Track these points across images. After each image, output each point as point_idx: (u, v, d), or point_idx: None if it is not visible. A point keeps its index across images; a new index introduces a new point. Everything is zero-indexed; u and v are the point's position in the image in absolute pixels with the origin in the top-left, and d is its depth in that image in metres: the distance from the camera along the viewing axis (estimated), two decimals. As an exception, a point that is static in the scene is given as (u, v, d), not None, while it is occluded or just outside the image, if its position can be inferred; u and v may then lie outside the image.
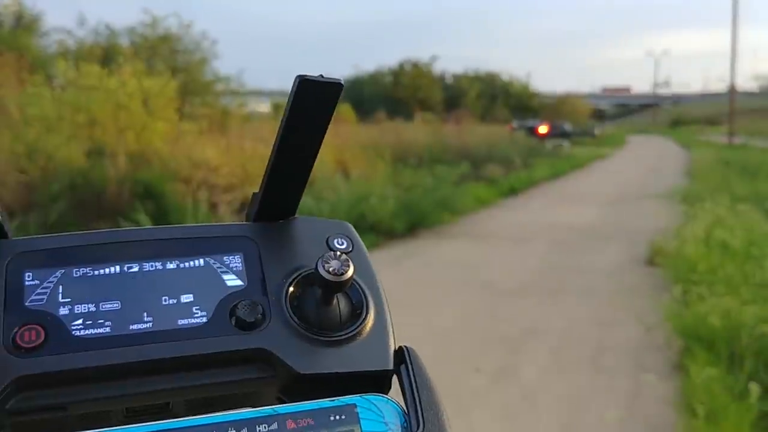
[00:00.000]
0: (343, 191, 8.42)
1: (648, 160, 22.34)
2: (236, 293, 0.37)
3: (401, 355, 0.37)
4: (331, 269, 0.35)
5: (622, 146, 31.53)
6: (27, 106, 8.32)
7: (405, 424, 0.33)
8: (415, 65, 36.65)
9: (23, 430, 0.33)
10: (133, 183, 7.63)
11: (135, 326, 0.35)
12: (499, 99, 40.99)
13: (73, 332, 0.35)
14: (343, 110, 18.00)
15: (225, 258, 0.38)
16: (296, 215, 0.43)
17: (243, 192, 8.05)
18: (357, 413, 0.33)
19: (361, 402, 0.34)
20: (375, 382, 0.36)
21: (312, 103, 0.36)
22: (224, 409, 0.33)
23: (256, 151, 8.66)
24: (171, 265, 0.38)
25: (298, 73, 0.35)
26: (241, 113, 13.47)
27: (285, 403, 0.34)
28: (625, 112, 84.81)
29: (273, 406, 0.33)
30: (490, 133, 19.59)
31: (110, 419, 0.35)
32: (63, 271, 0.37)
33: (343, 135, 11.65)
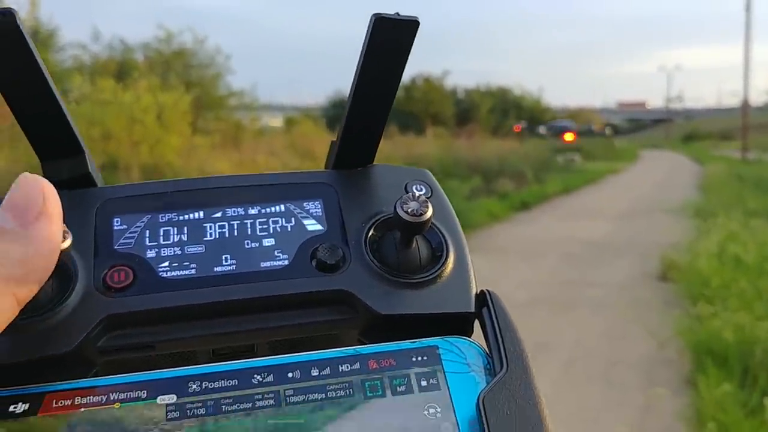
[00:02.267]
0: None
1: (660, 175, 22.25)
2: (316, 237, 0.38)
3: (483, 298, 0.37)
4: (409, 210, 0.35)
5: (634, 161, 31.42)
6: (43, 120, 8.41)
7: (488, 366, 0.34)
8: (427, 79, 36.72)
9: (113, 369, 0.34)
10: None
11: (219, 268, 0.36)
12: (511, 113, 41.00)
13: (160, 273, 0.36)
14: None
15: (305, 203, 0.39)
16: (374, 162, 0.43)
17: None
18: (439, 354, 0.33)
19: (443, 344, 0.34)
20: (456, 325, 0.36)
21: (388, 42, 0.36)
22: (307, 351, 0.34)
23: (269, 165, 8.72)
24: (253, 211, 0.39)
25: (374, 12, 0.35)
26: (254, 127, 13.58)
27: (366, 344, 0.34)
28: (637, 127, 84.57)
29: (355, 347, 0.34)
30: (502, 147, 19.58)
31: (197, 359, 0.36)
32: (149, 216, 0.38)
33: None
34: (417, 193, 0.38)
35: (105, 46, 17.39)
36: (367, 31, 0.36)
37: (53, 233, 0.30)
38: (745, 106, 28.85)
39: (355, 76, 0.37)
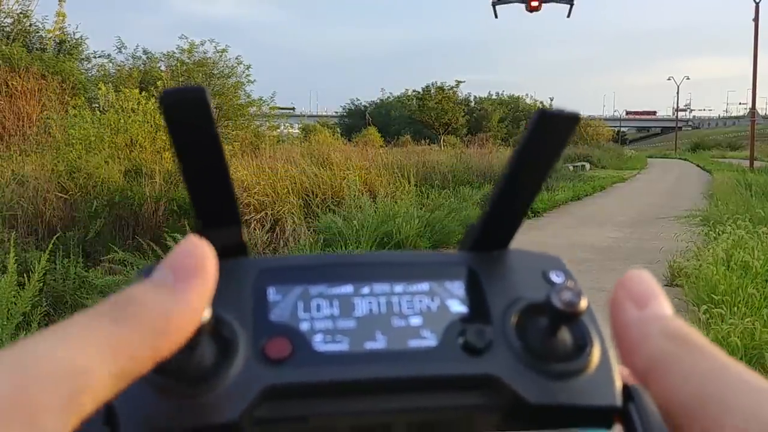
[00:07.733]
0: (370, 211, 8.63)
1: (668, 183, 22.28)
2: (461, 319, 0.38)
3: (628, 392, 0.36)
4: (565, 300, 0.35)
5: (643, 169, 31.42)
6: (69, 128, 8.68)
7: None
8: (440, 88, 36.74)
9: None
10: (169, 201, 7.89)
11: (369, 344, 0.36)
12: (522, 122, 41.04)
13: (315, 347, 0.36)
14: (370, 133, 18.24)
15: (447, 283, 0.39)
16: (509, 247, 0.43)
17: (274, 211, 8.30)
18: None
19: None
20: (598, 418, 0.36)
21: (549, 135, 0.37)
22: None
23: (287, 172, 8.92)
24: (398, 288, 0.39)
25: (540, 109, 0.36)
26: (272, 135, 13.73)
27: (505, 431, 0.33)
28: (646, 136, 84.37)
29: None
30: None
31: None
32: (302, 288, 0.38)
33: (370, 157, 11.86)
34: (568, 283, 0.39)
35: (129, 56, 17.66)
36: (531, 122, 0.37)
37: (201, 295, 0.30)
38: (753, 115, 28.85)
39: (510, 164, 0.38)
